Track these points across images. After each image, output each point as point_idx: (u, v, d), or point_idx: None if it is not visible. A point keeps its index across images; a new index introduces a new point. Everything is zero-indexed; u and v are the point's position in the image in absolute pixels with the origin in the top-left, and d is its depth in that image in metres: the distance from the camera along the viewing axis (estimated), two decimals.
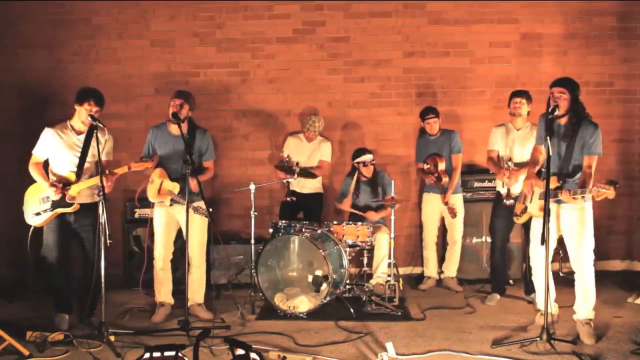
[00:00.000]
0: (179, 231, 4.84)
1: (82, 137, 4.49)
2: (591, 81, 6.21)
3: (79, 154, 4.46)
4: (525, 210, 4.51)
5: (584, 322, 4.17)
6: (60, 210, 4.41)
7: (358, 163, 5.66)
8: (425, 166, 5.66)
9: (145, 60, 6.25)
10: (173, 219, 4.80)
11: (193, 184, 4.52)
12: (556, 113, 4.06)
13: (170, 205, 4.67)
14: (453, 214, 5.54)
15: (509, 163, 5.01)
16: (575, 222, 4.16)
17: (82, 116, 4.42)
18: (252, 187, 5.24)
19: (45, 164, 4.54)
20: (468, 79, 6.28)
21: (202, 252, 4.87)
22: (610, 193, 3.76)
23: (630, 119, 6.32)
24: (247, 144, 6.34)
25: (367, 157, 5.64)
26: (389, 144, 6.30)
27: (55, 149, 4.46)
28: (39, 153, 4.50)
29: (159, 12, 6.22)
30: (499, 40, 6.25)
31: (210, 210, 4.54)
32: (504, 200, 4.96)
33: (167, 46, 6.24)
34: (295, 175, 5.39)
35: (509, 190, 4.98)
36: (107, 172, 4.33)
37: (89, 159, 4.48)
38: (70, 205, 4.41)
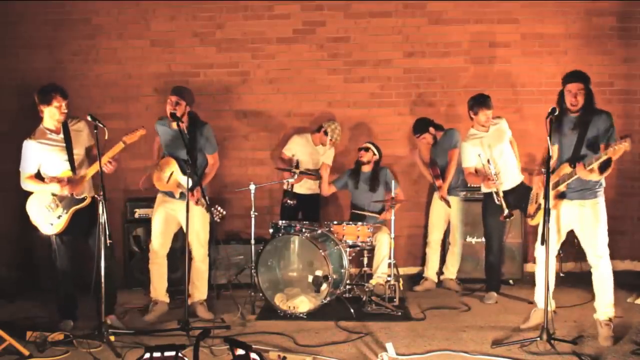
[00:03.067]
0: (180, 231, 4.81)
1: (62, 135, 4.40)
2: (591, 81, 6.19)
3: (66, 153, 4.39)
4: (538, 208, 4.36)
5: (604, 323, 4.10)
6: (74, 208, 4.36)
7: (360, 149, 5.75)
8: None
9: (145, 60, 6.25)
10: (173, 217, 4.76)
11: (196, 197, 4.48)
12: (556, 114, 4.03)
13: (179, 197, 4.63)
14: (448, 204, 5.60)
15: (490, 166, 4.88)
16: (590, 217, 4.13)
17: (55, 115, 4.31)
18: (252, 187, 5.23)
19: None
20: (468, 78, 6.28)
21: (205, 247, 4.83)
22: (626, 145, 3.68)
23: (630, 119, 6.31)
24: (247, 144, 6.35)
25: (369, 145, 5.74)
26: (389, 144, 6.29)
27: (44, 158, 4.36)
28: (29, 168, 4.36)
29: (159, 12, 6.23)
30: (499, 40, 6.25)
31: (220, 208, 4.46)
32: (497, 201, 4.91)
33: (167, 46, 6.24)
34: (296, 176, 5.40)
35: (497, 191, 4.88)
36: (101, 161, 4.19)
37: (76, 151, 4.41)
38: (82, 200, 4.38)
